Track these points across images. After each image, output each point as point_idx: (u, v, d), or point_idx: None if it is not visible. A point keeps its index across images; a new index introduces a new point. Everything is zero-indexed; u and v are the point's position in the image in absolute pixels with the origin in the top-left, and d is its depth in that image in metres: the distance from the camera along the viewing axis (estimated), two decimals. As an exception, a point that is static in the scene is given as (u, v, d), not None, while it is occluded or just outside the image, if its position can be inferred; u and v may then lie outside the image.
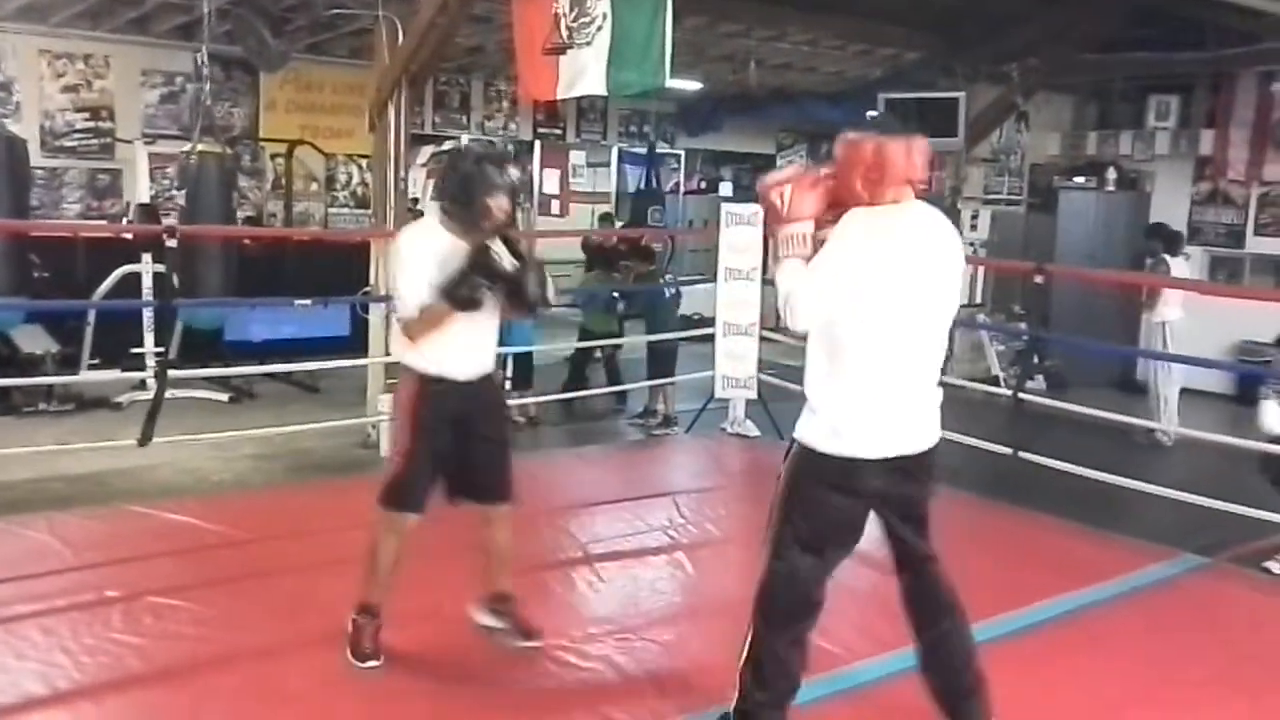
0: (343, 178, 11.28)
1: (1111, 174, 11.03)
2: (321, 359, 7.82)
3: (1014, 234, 11.33)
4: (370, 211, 8.61)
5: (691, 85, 11.17)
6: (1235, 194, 10.59)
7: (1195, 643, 4.16)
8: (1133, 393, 9.18)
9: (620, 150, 14.02)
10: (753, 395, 7.24)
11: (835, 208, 2.94)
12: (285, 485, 6.21)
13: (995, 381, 9.35)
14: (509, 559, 3.85)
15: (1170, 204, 10.89)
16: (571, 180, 13.76)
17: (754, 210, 7.17)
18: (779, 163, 14.95)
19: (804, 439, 3.00)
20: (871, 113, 10.17)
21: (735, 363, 7.13)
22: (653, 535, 5.24)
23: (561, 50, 5.94)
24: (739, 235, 7.07)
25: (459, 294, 3.41)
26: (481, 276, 3.41)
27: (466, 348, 3.61)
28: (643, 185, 13.17)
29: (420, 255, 3.50)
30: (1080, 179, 11.17)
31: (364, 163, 10.59)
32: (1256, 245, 10.44)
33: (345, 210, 11.28)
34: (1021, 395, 5.95)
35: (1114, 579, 4.75)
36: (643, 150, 13.37)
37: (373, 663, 3.66)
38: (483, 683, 3.65)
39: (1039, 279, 6.15)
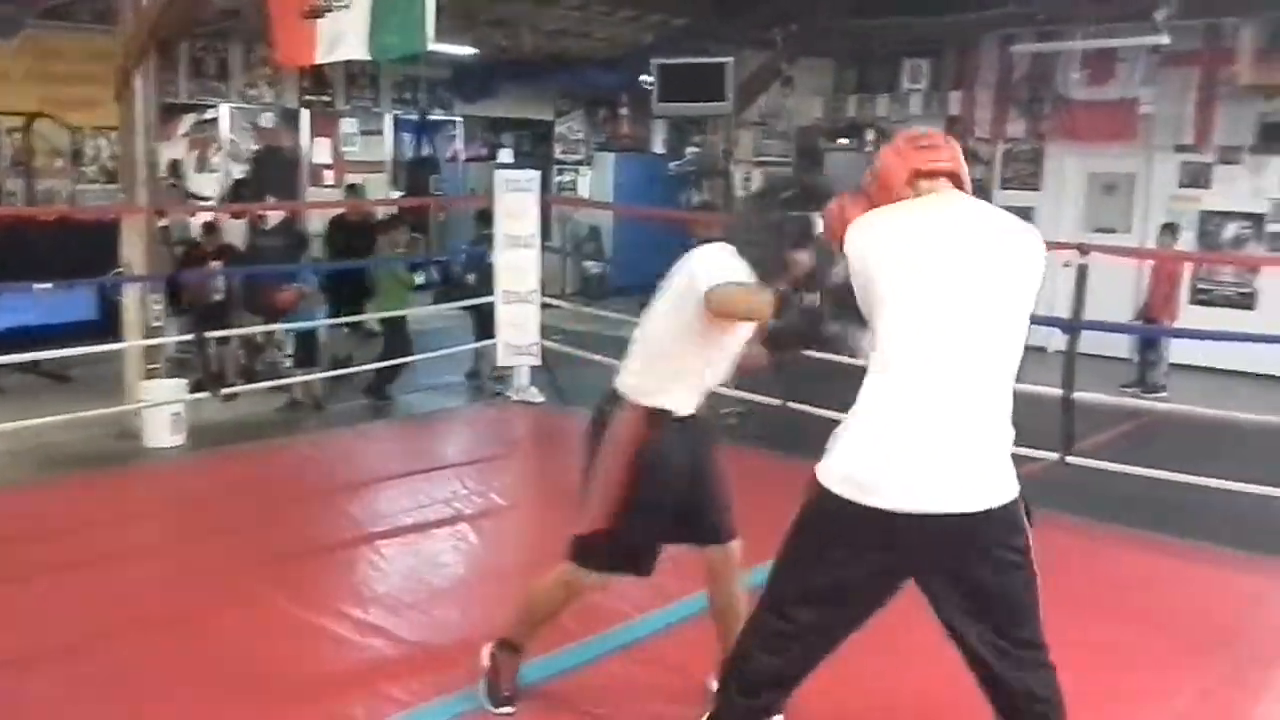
0: (90, 152, 10.50)
1: (871, 135, 11.59)
2: (71, 345, 7.29)
3: (785, 195, 11.77)
4: (121, 186, 8.07)
5: (464, 50, 10.98)
6: (983, 151, 11.30)
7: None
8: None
9: (395, 117, 13.66)
10: (536, 362, 7.25)
11: None
12: (39, 482, 5.77)
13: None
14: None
15: (926, 162, 11.54)
16: (344, 149, 13.29)
17: (529, 176, 7.15)
18: (558, 128, 15.01)
19: (820, 470, 2.41)
20: (645, 77, 10.43)
21: (517, 330, 7.10)
22: (435, 509, 5.18)
23: (319, 13, 5.69)
24: (515, 201, 7.03)
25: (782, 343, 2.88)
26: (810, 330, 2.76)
27: (699, 387, 3.08)
28: (419, 153, 12.90)
29: (729, 267, 2.88)
30: (843, 140, 11.69)
31: (113, 135, 9.90)
32: (1002, 198, 11.20)
33: (96, 186, 10.52)
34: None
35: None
36: (421, 118, 13.09)
37: (507, 709, 3.21)
38: (260, 662, 3.54)
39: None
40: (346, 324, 8.46)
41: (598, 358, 7.36)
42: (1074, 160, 10.75)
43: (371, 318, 8.35)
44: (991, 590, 2.34)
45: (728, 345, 3.02)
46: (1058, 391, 5.23)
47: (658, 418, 2.99)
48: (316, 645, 3.72)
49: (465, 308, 8.06)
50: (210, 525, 4.98)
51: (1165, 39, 8.80)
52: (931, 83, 11.38)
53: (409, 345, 7.88)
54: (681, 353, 2.99)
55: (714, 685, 2.76)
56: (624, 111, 14.33)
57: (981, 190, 11.08)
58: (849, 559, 2.35)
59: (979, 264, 2.37)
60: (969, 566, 2.34)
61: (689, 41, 10.61)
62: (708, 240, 3.05)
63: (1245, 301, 9.71)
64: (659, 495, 2.99)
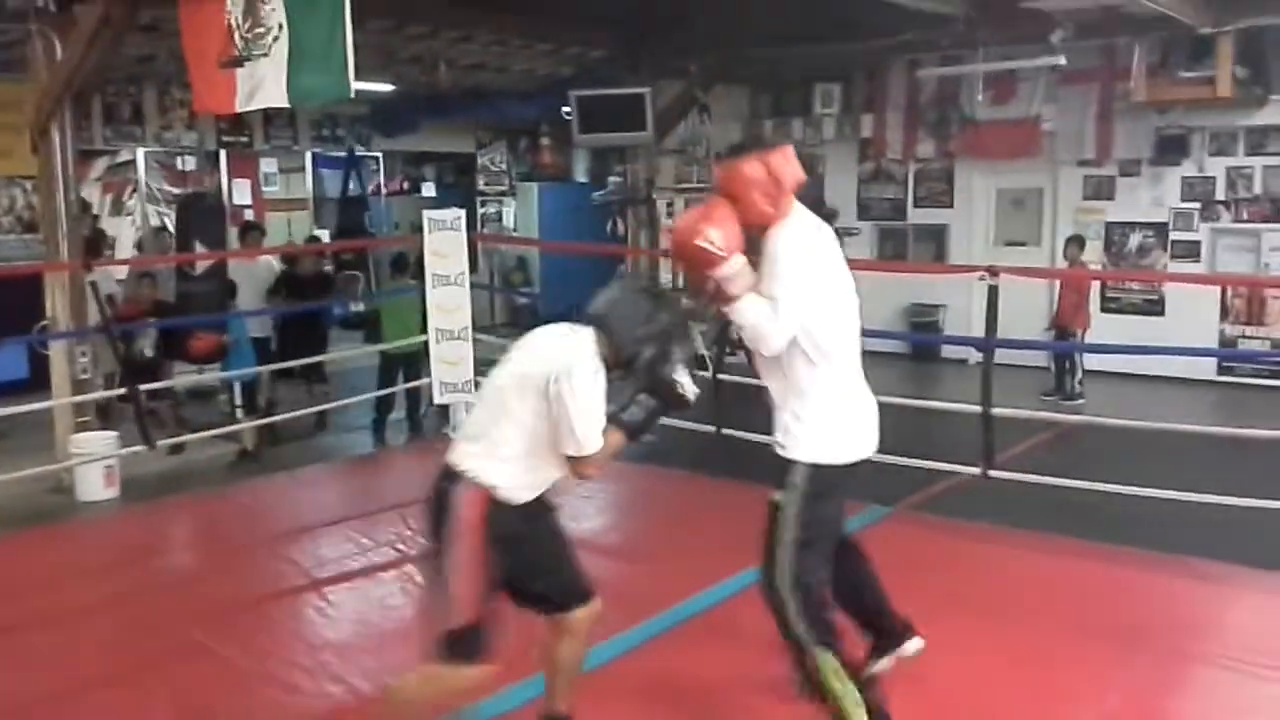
0: (5, 202, 10.32)
1: (789, 159, 11.85)
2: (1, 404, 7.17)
3: (707, 220, 11.96)
4: (41, 237, 7.96)
5: (383, 88, 11.02)
6: (895, 171, 11.66)
7: (898, 585, 4.55)
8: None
9: (315, 155, 13.62)
10: (471, 399, 7.29)
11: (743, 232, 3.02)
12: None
13: (701, 361, 9.85)
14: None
15: (841, 183, 11.87)
16: (264, 189, 13.21)
17: (455, 215, 7.22)
18: (480, 160, 15.07)
19: (805, 457, 3.08)
20: (565, 109, 10.59)
21: (451, 368, 7.16)
22: (380, 551, 5.22)
23: (238, 62, 5.72)
24: (442, 240, 7.09)
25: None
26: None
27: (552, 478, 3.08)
28: (347, 191, 12.90)
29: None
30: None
31: (28, 184, 9.74)
32: (916, 216, 11.57)
33: (12, 237, 10.32)
34: (720, 376, 6.33)
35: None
36: (341, 154, 13.07)
37: None
38: (215, 716, 3.56)
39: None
40: (290, 372, 8.29)
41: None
42: (982, 177, 11.13)
43: (329, 357, 8.26)
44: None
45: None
46: (977, 408, 5.46)
47: (502, 504, 2.91)
48: (270, 695, 3.75)
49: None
50: (149, 579, 4.97)
51: (1062, 60, 9.18)
52: (844, 106, 11.69)
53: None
54: (536, 452, 2.92)
55: None
56: (546, 142, 14.44)
57: (898, 209, 11.34)
58: (841, 499, 3.24)
59: (845, 267, 3.16)
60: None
61: (607, 72, 10.78)
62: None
63: (1154, 308, 10.12)
64: (508, 571, 2.95)
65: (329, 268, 10.36)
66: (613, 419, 2.95)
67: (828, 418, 3.10)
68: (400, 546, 5.29)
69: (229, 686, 3.80)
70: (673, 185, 12.22)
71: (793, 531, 3.09)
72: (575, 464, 2.93)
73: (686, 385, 3.02)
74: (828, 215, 9.86)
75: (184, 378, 8.01)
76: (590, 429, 2.85)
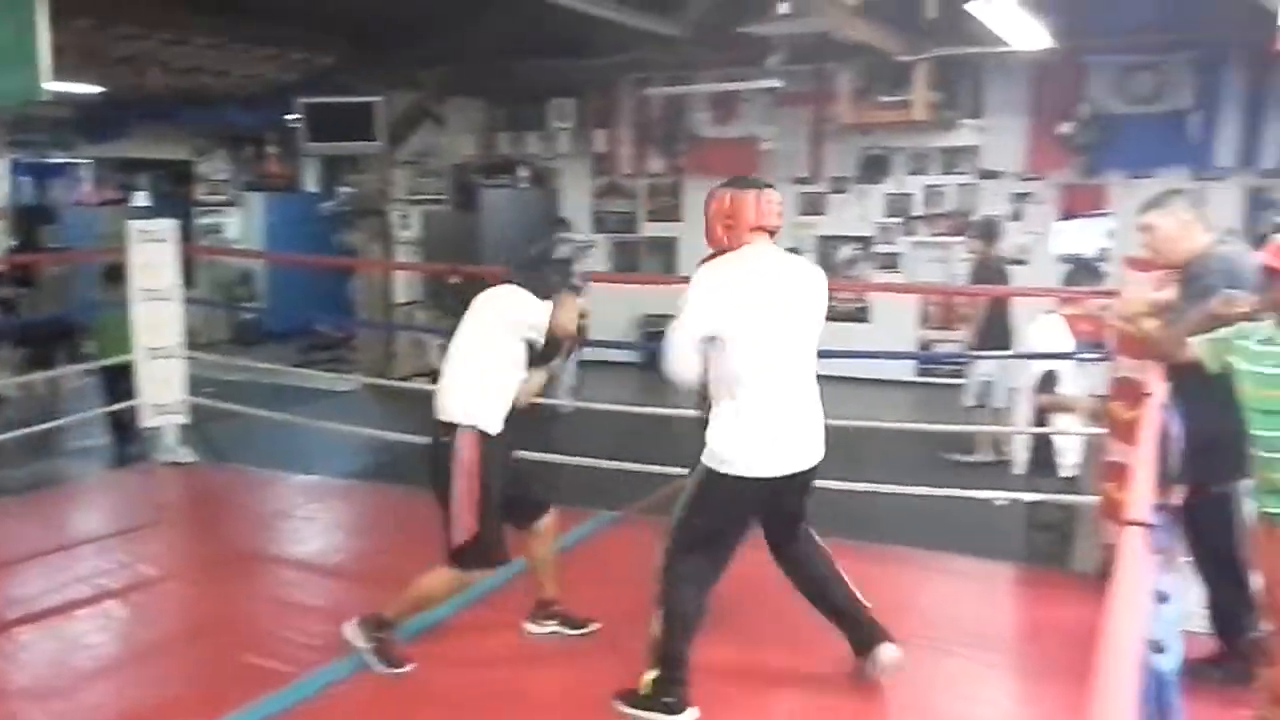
0: None
1: (524, 172, 11.95)
2: None
3: (443, 232, 11.82)
4: None
5: (88, 89, 10.26)
6: (627, 186, 11.98)
7: (628, 587, 4.63)
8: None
9: (15, 161, 12.51)
10: (184, 419, 6.89)
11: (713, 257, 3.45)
12: None
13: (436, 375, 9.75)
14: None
15: (576, 198, 12.07)
16: (-48, 197, 12.02)
17: (166, 225, 6.82)
18: (199, 168, 14.30)
19: (712, 464, 3.39)
20: (291, 116, 10.15)
21: (160, 387, 6.73)
22: (76, 588, 4.80)
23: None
24: (151, 252, 6.67)
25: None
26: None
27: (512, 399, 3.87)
28: (32, 201, 11.92)
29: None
30: (498, 177, 11.96)
31: None
32: (647, 230, 11.92)
33: None
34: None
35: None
36: (44, 160, 12.08)
37: (410, 666, 3.84)
38: None
39: (454, 279, 6.56)
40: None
41: (255, 411, 7.15)
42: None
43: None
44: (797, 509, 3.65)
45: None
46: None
47: (488, 437, 3.68)
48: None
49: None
50: None
51: (778, 83, 9.74)
52: (578, 121, 11.88)
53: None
54: (502, 380, 3.75)
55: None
56: (272, 150, 13.89)
57: (628, 222, 11.63)
58: (745, 515, 3.53)
59: (791, 300, 3.42)
60: (795, 499, 3.58)
61: (336, 80, 10.50)
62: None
63: (861, 316, 10.86)
64: (499, 496, 3.74)
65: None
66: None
67: (734, 434, 3.36)
68: (100, 581, 4.90)
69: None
70: (407, 197, 12.02)
71: (681, 514, 3.48)
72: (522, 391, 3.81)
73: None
74: (565, 226, 10.10)
75: None
76: (528, 312, 3.75)
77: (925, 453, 7.62)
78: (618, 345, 9.71)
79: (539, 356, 3.85)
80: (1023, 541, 5.39)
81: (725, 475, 3.38)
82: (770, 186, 3.48)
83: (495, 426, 3.73)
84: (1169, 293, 3.88)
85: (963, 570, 5.15)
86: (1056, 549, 5.21)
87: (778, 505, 3.57)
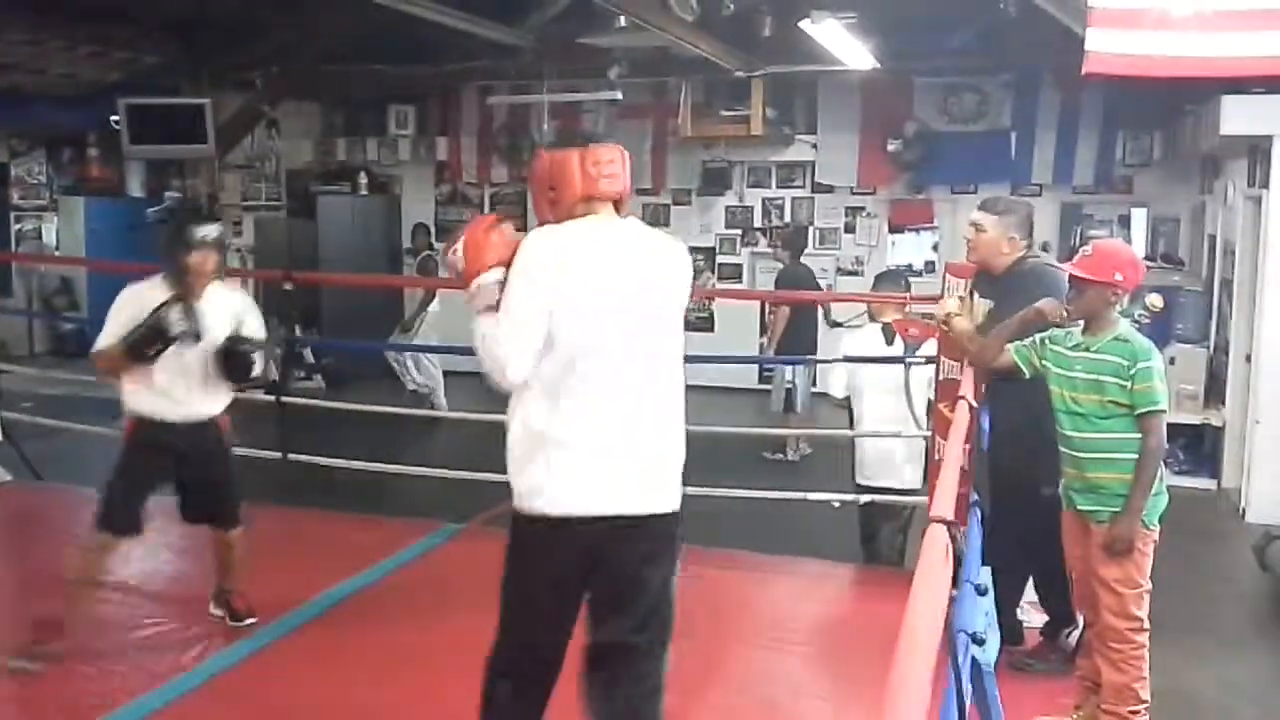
0: None
1: (363, 179, 11.72)
2: None
3: (278, 239, 11.49)
4: None
5: (-116, 83, 9.57)
6: (472, 194, 11.89)
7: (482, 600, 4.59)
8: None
9: None
10: (-1, 438, 6.49)
11: None
12: None
13: (272, 387, 9.43)
14: (233, 566, 4.25)
15: (418, 204, 11.91)
16: None
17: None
18: (14, 170, 13.49)
19: (516, 501, 2.58)
20: (114, 117, 9.69)
21: (-29, 402, 6.32)
22: None
23: None
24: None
25: (128, 343, 3.77)
26: (151, 332, 3.73)
27: (165, 394, 3.94)
28: None
29: (124, 304, 3.87)
30: (337, 184, 11.70)
31: None
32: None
33: None
34: (285, 400, 6.10)
35: (388, 556, 5.13)
36: None
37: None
38: None
39: (288, 285, 6.40)
40: None
41: (75, 425, 6.79)
42: (549, 202, 11.60)
43: None
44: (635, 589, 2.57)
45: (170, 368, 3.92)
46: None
47: (144, 420, 3.96)
48: None
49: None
50: None
51: (619, 94, 9.85)
52: (419, 128, 11.73)
53: None
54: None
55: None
56: (93, 152, 13.20)
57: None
58: (558, 577, 2.57)
59: (643, 285, 2.57)
60: (629, 554, 2.55)
61: (163, 80, 10.08)
62: None
63: (707, 325, 11.05)
64: (143, 472, 3.97)
65: None
66: None
67: (542, 456, 2.53)
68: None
69: None
70: (239, 202, 11.63)
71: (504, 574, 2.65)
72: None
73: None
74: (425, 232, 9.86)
75: None
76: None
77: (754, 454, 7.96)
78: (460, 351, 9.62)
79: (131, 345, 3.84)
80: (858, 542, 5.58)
81: (531, 517, 2.54)
82: (603, 141, 2.66)
83: (148, 409, 3.96)
84: (965, 290, 4.12)
85: (803, 571, 5.32)
86: (891, 550, 5.38)
87: (606, 570, 2.55)
